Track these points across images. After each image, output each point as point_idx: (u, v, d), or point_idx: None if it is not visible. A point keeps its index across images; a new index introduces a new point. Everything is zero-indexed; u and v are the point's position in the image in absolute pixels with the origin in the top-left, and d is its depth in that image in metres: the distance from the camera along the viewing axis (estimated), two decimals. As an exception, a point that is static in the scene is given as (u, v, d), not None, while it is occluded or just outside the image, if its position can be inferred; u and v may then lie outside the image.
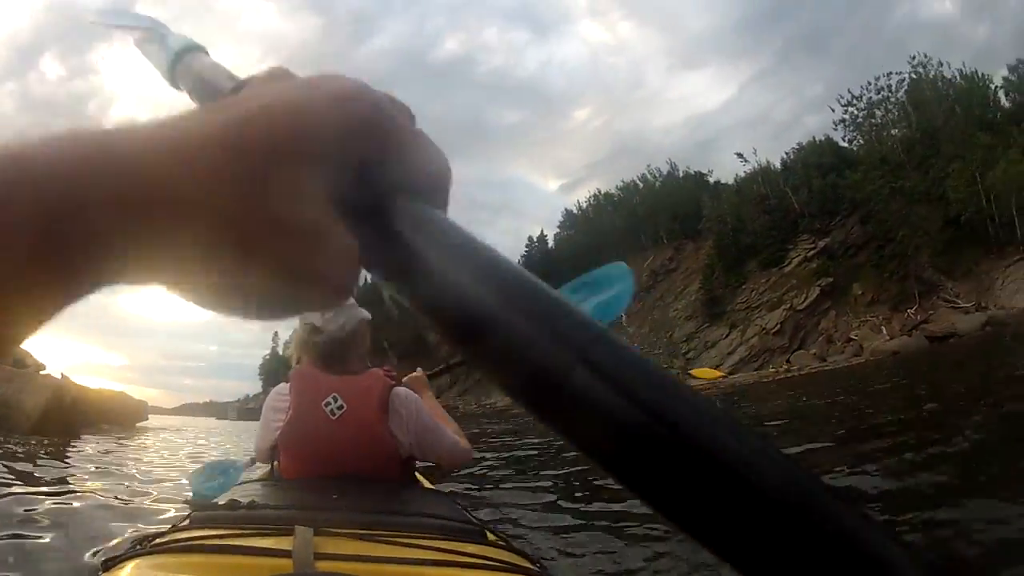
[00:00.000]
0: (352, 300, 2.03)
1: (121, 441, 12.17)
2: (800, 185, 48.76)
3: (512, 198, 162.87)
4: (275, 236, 0.24)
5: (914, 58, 49.80)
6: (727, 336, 47.77)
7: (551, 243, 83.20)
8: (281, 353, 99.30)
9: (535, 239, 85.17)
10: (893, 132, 48.58)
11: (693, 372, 44.11)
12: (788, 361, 39.18)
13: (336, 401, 1.82)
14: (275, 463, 1.95)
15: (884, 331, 36.79)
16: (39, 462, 6.78)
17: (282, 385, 1.98)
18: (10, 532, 3.14)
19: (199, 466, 3.01)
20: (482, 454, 7.82)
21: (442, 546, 1.07)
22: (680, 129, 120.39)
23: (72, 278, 0.22)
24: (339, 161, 0.26)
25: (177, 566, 0.98)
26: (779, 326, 43.65)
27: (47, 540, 3.09)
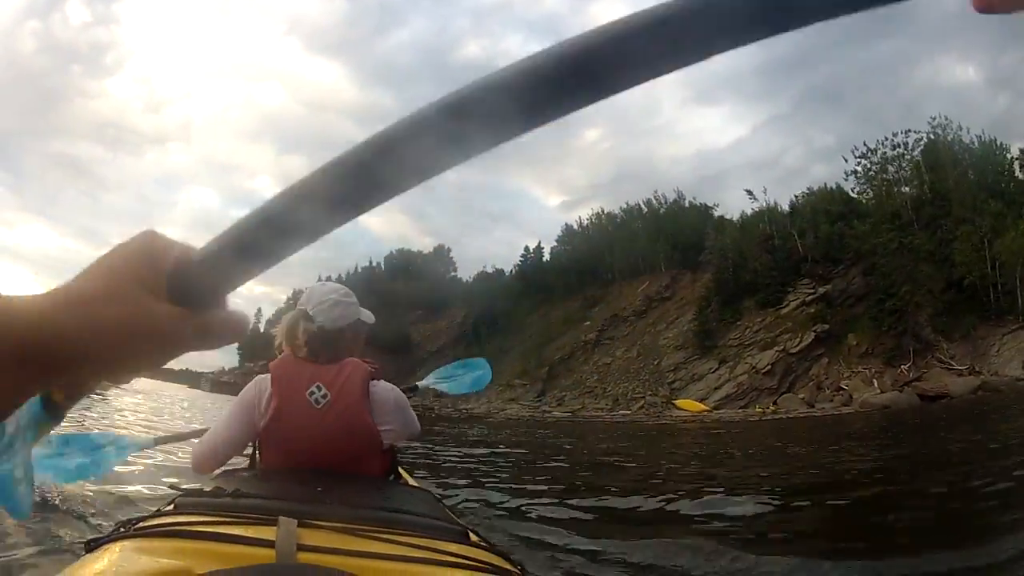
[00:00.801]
0: (353, 299, 2.10)
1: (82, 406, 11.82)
2: (806, 229, 49.58)
3: (512, 209, 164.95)
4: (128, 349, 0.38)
5: (934, 119, 50.96)
6: (716, 370, 47.95)
7: (547, 256, 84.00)
8: (262, 331, 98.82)
9: (531, 250, 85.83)
10: (904, 189, 49.67)
11: (677, 402, 44.34)
12: (775, 403, 39.61)
13: (320, 390, 1.84)
14: (256, 453, 1.95)
15: (876, 384, 37.48)
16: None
17: (260, 378, 1.96)
18: None
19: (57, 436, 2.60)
20: (462, 457, 8.04)
21: (425, 544, 1.10)
22: (688, 161, 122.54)
23: None
24: (150, 285, 0.39)
25: (161, 551, 0.99)
26: (770, 367, 43.99)
27: (27, 521, 3.06)
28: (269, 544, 0.96)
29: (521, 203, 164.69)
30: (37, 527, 3.01)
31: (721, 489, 6.36)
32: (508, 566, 1.19)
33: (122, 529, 1.12)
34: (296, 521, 1.04)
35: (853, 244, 45.36)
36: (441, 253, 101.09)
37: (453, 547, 1.12)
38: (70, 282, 0.38)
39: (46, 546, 2.76)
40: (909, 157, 50.22)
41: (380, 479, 1.91)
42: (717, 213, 65.85)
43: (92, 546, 1.07)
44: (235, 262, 0.40)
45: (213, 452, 1.92)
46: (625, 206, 76.92)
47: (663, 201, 72.39)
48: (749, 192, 57.68)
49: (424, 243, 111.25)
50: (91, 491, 4.02)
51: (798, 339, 44.29)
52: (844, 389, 38.65)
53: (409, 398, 2.13)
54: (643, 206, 73.84)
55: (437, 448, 9.41)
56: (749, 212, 58.44)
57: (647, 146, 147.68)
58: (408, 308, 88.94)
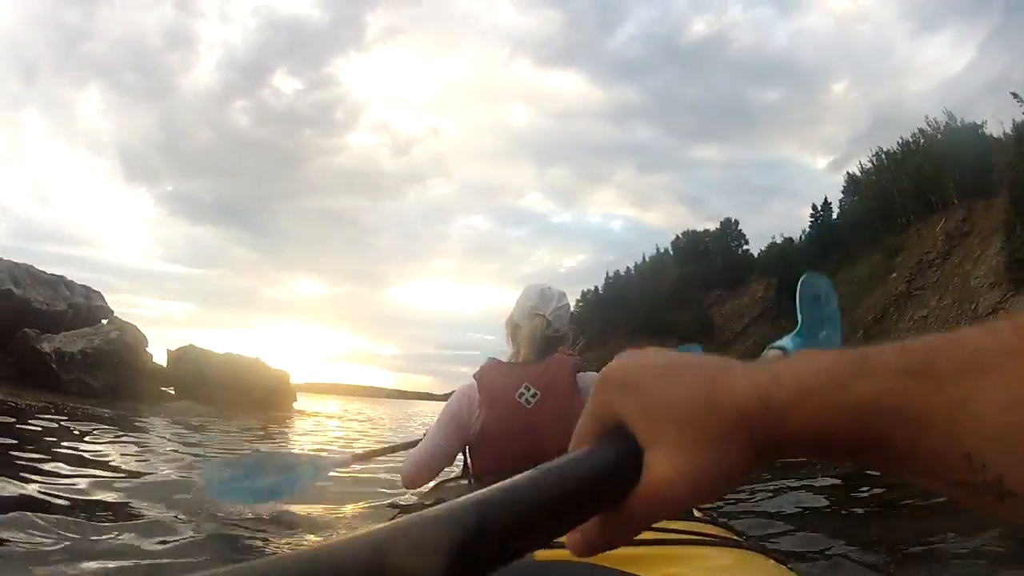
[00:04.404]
0: (560, 291, 2.31)
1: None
2: None
3: (783, 179, 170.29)
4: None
5: None
6: None
7: (836, 212, 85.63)
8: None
9: (819, 208, 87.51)
10: None
11: None
12: None
13: (529, 390, 1.98)
14: (467, 463, 2.14)
15: None
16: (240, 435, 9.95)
17: (465, 387, 2.13)
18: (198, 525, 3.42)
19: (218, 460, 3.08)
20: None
21: (655, 525, 1.07)
22: (933, 95, 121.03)
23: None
24: None
25: None
26: None
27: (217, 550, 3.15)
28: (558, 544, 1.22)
29: (790, 171, 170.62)
30: (228, 557, 3.04)
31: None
32: (735, 536, 1.25)
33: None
34: None
35: None
36: (729, 227, 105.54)
37: (681, 524, 1.17)
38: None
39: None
40: None
41: None
42: (987, 131, 63.75)
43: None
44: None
45: (425, 465, 2.12)
46: (900, 141, 76.32)
47: (937, 127, 71.04)
48: (1015, 95, 55.26)
49: (707, 227, 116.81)
50: (298, 512, 4.10)
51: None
52: None
53: None
54: (920, 136, 72.91)
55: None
56: (1018, 121, 55.71)
57: (892, 87, 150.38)
58: (704, 290, 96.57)
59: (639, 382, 0.40)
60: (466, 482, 2.08)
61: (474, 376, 2.11)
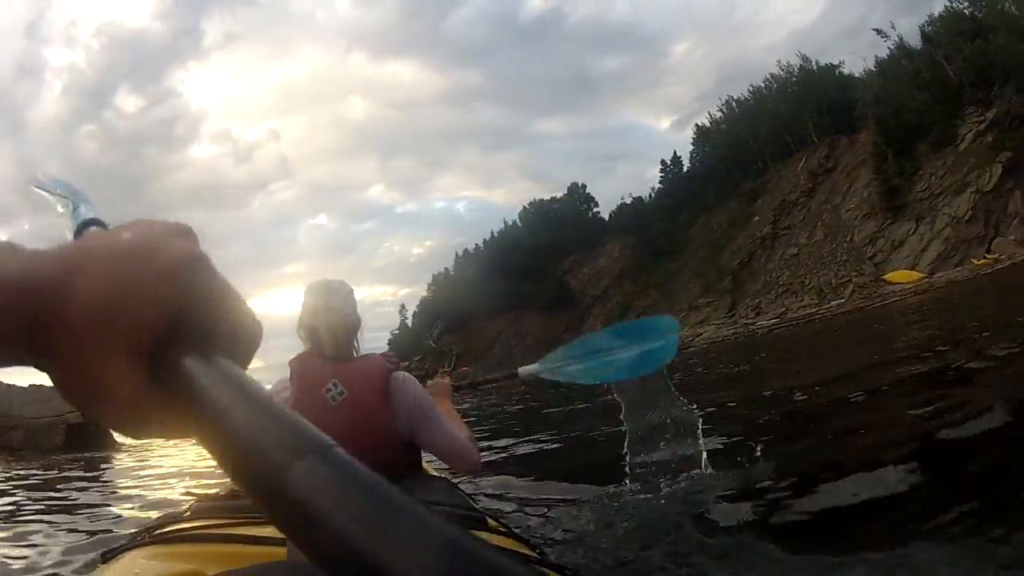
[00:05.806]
0: (341, 280, 2.28)
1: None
2: (952, 55, 48.97)
3: (628, 144, 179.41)
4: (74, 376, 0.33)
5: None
6: (915, 231, 48.57)
7: (686, 164, 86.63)
8: (410, 326, 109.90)
9: (669, 162, 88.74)
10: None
11: (888, 277, 44.40)
12: (988, 251, 39.98)
13: (336, 387, 2.00)
14: None
15: (1082, 208, 36.88)
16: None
17: (285, 377, 2.12)
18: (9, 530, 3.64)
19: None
20: (492, 441, 7.32)
21: None
22: (783, 46, 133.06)
23: None
24: (150, 329, 0.32)
25: (172, 556, 1.10)
26: (970, 212, 44.01)
27: (44, 537, 3.48)
28: (282, 543, 1.02)
29: (635, 135, 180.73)
30: (56, 539, 3.31)
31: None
32: (527, 551, 1.28)
33: (138, 538, 1.24)
34: None
35: (998, 60, 44.50)
36: (576, 191, 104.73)
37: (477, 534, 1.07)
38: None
39: (64, 558, 2.96)
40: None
41: (398, 472, 2.00)
42: (845, 71, 66.80)
43: (107, 556, 1.18)
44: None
45: None
46: (752, 88, 78.06)
47: (791, 70, 73.06)
48: (878, 31, 58.02)
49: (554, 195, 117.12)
50: (111, 499, 4.31)
51: (988, 175, 44.15)
52: (1052, 220, 37.90)
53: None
54: (772, 81, 74.82)
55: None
56: (880, 57, 58.80)
57: (738, 44, 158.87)
58: (559, 257, 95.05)
59: None
60: None
61: (289, 364, 2.10)
